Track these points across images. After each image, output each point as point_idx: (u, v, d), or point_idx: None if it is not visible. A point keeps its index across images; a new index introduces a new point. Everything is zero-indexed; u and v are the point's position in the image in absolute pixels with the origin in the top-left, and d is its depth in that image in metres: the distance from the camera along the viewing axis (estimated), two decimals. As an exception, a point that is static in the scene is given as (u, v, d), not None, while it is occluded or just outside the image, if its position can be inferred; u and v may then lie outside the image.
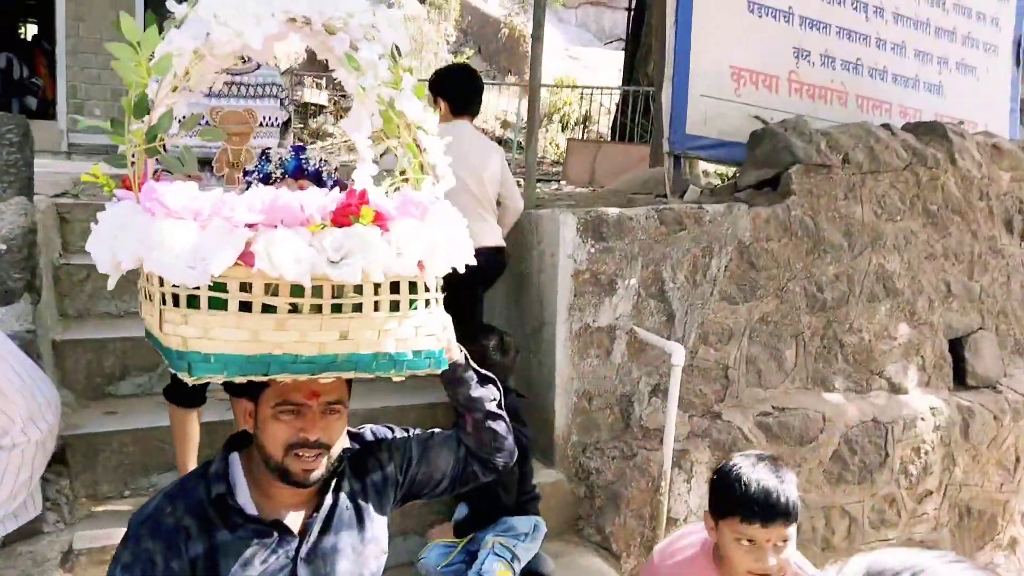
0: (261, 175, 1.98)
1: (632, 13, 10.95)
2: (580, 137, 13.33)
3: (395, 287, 1.40)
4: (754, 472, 1.67)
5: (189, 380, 1.37)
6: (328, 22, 1.52)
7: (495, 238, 3.00)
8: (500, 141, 13.32)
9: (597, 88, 12.93)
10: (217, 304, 1.32)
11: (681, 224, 3.27)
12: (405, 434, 1.80)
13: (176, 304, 1.35)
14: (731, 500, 1.67)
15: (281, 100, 2.69)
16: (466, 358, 1.75)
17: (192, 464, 2.53)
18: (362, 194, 1.41)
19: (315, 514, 1.62)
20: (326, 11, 1.52)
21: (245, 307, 1.32)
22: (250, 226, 1.32)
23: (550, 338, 3.08)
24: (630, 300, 3.17)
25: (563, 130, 14.69)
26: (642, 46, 9.89)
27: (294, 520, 1.62)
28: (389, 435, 1.79)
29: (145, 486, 2.72)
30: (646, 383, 3.22)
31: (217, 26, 1.43)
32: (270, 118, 2.63)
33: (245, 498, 1.59)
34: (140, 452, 2.72)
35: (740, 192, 3.75)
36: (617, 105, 11.69)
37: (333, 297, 1.34)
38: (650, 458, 3.10)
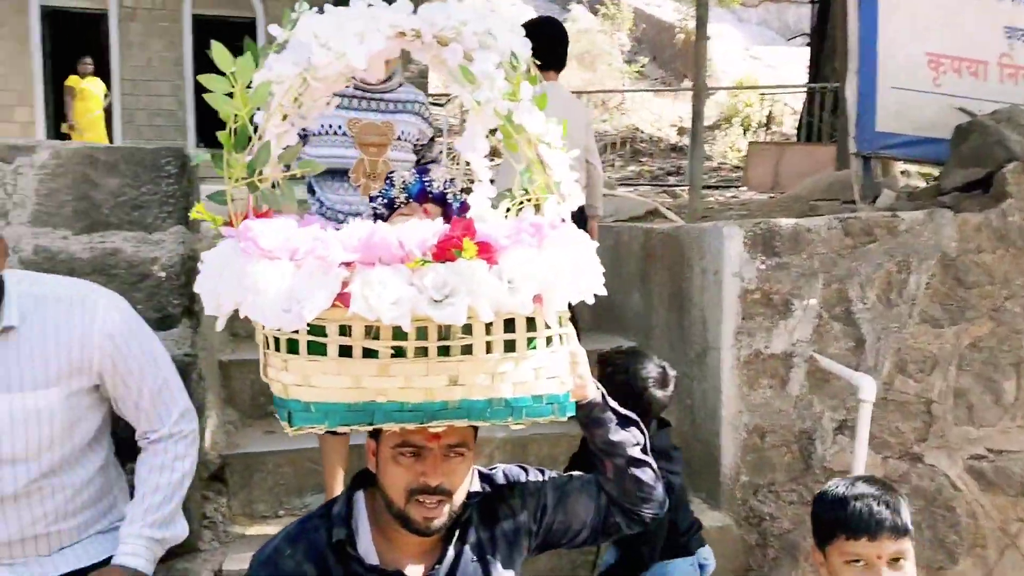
0: (385, 200, 1.88)
1: (817, 5, 10.23)
2: (762, 140, 12.69)
3: (510, 325, 1.24)
4: (854, 489, 1.61)
5: (290, 431, 1.29)
6: (440, 33, 1.39)
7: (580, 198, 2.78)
8: (675, 148, 12.93)
9: (780, 87, 12.23)
10: (317, 349, 1.22)
11: (871, 235, 2.86)
12: (540, 477, 1.63)
13: (277, 348, 1.27)
14: (833, 521, 1.59)
15: (424, 117, 2.64)
16: (604, 396, 1.55)
17: (339, 487, 2.50)
18: (466, 224, 1.25)
19: (437, 566, 1.50)
20: (437, 21, 1.39)
21: (346, 351, 1.21)
22: (348, 264, 1.20)
23: (715, 365, 2.78)
24: (809, 323, 2.81)
25: (744, 133, 14.10)
26: (828, 39, 9.20)
27: (415, 571, 1.50)
28: (523, 478, 1.63)
29: (298, 506, 2.73)
30: (830, 418, 2.84)
31: (318, 48, 1.33)
32: (407, 132, 2.58)
33: (366, 544, 1.49)
34: (294, 473, 2.73)
35: (944, 196, 3.25)
36: (803, 104, 11.01)
37: (440, 339, 1.21)
38: (835, 504, 2.71)
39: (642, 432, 1.58)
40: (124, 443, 2.00)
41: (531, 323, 1.26)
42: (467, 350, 1.21)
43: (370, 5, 1.37)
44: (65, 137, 9.65)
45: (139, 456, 1.90)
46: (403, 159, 2.57)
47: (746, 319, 2.75)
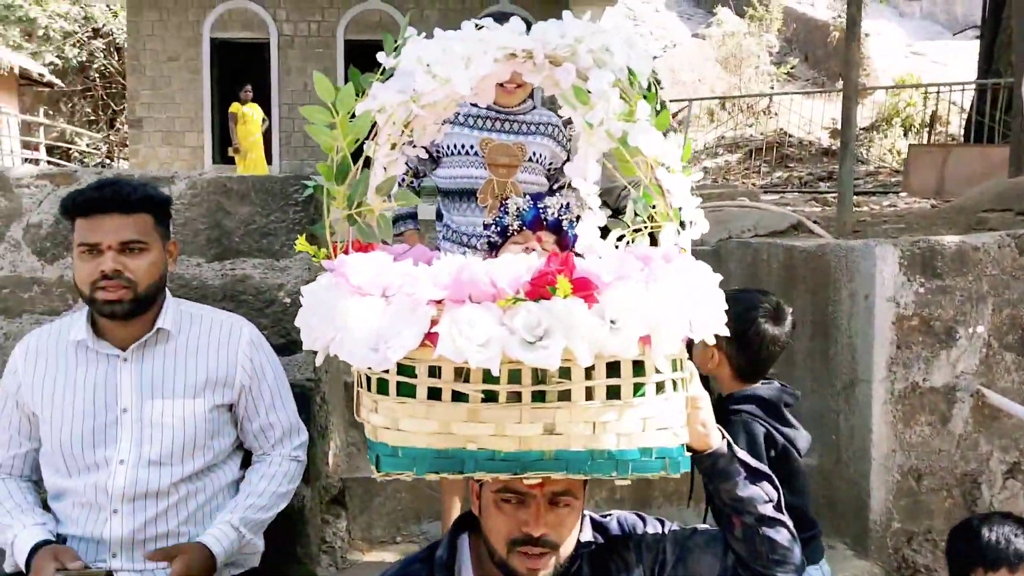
0: (499, 227, 1.82)
1: (990, -7, 9.38)
2: (926, 141, 11.78)
3: (614, 369, 1.13)
4: (989, 521, 1.62)
5: (378, 476, 1.24)
6: (553, 52, 1.31)
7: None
8: (826, 152, 12.23)
9: (945, 85, 11.31)
10: (406, 390, 1.17)
11: (1050, 253, 2.52)
12: (660, 529, 1.49)
13: (369, 387, 1.22)
14: (970, 553, 1.60)
15: (558, 140, 2.56)
16: (730, 446, 1.39)
17: (454, 514, 2.46)
18: (564, 259, 1.15)
19: None
20: (551, 40, 1.31)
21: (436, 394, 1.15)
22: (439, 302, 1.14)
23: (865, 399, 2.53)
24: (976, 353, 2.50)
25: (905, 135, 13.16)
26: (1003, 30, 8.40)
27: None
28: (640, 528, 1.50)
29: (416, 533, 2.72)
30: (999, 460, 2.52)
31: (422, 74, 1.28)
32: (539, 155, 2.50)
33: None
34: (413, 499, 2.72)
35: None
36: (972, 102, 10.12)
37: (535, 383, 1.11)
38: (1007, 559, 2.40)
39: (775, 487, 1.41)
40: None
41: (639, 367, 1.15)
42: (565, 396, 1.12)
43: (479, 27, 1.31)
44: (231, 160, 10.37)
45: (251, 464, 1.96)
46: (534, 181, 2.51)
47: (901, 348, 2.49)
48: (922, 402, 2.50)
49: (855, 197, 7.86)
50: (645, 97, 1.29)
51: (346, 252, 1.31)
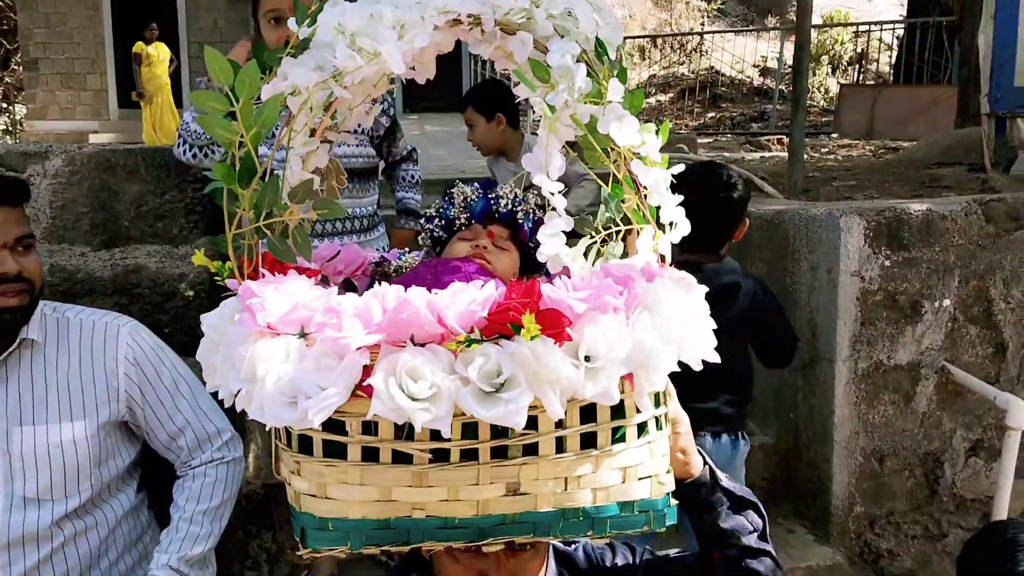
0: (443, 221, 1.54)
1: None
2: (855, 80, 11.82)
3: (588, 413, 0.95)
4: (1014, 527, 1.38)
5: (304, 554, 1.01)
6: (505, 19, 1.07)
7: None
8: (758, 92, 12.15)
9: (876, 23, 11.31)
10: (335, 450, 0.95)
11: (1018, 220, 2.40)
12: (630, 559, 1.35)
13: (289, 443, 1.00)
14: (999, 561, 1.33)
15: (382, 108, 2.27)
16: (711, 472, 1.22)
17: None
18: (528, 289, 0.93)
19: None
20: (502, 3, 1.05)
21: (372, 454, 0.93)
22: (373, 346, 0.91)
23: (827, 379, 2.39)
24: (941, 328, 2.38)
25: (833, 73, 13.18)
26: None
27: None
28: (608, 560, 1.35)
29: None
30: (962, 438, 2.42)
31: (344, 48, 1.01)
32: (360, 125, 2.21)
33: None
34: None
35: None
36: (899, 41, 10.14)
37: (494, 437, 0.92)
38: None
39: (760, 515, 1.26)
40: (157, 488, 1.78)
41: (618, 408, 0.96)
42: (531, 450, 0.93)
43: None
44: (135, 105, 9.63)
45: (175, 483, 1.70)
46: (360, 154, 2.21)
47: (866, 325, 2.34)
48: (886, 381, 2.38)
49: (783, 137, 7.81)
50: (617, 75, 1.06)
51: (255, 271, 1.05)
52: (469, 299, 0.93)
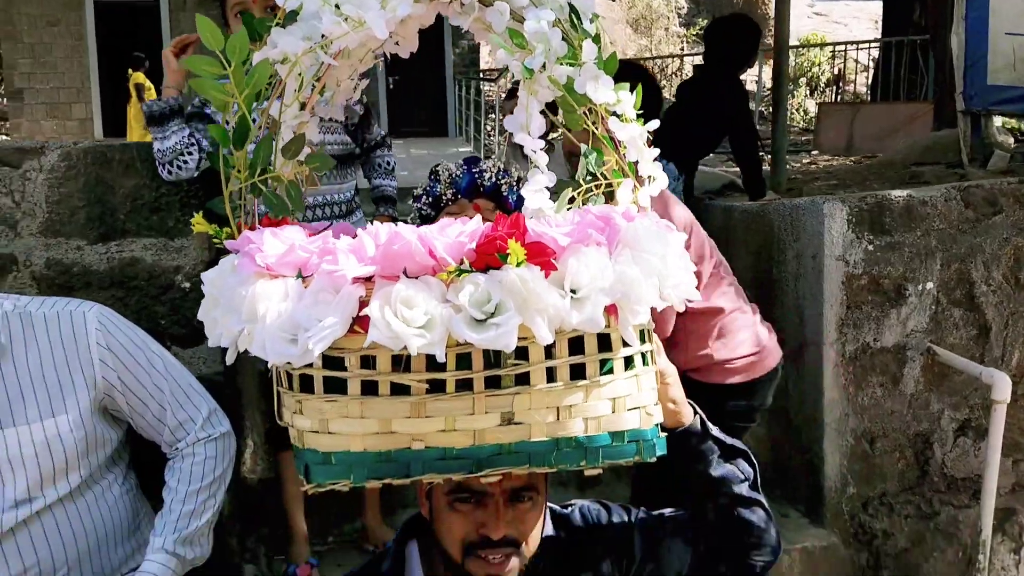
0: (430, 198, 1.59)
1: (890, -48, 9.58)
2: (833, 100, 12.05)
3: (577, 345, 1.00)
4: None
5: (308, 489, 1.06)
6: None
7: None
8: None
9: (851, 43, 11.55)
10: (335, 386, 0.99)
11: (995, 205, 2.46)
12: (625, 518, 1.37)
13: (290, 385, 1.04)
14: None
15: (358, 99, 2.28)
16: (702, 422, 1.27)
17: (299, 524, 2.29)
18: (513, 221, 0.97)
19: None
20: None
21: (371, 387, 0.97)
22: (367, 280, 0.96)
23: (815, 363, 2.43)
24: (926, 311, 2.43)
25: (811, 94, 13.45)
26: (908, -9, 8.57)
27: None
28: (604, 519, 1.37)
29: (350, 532, 2.51)
30: (950, 418, 2.47)
31: (329, 16, 1.07)
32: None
33: None
34: (346, 494, 2.47)
35: (1075, 155, 2.82)
36: (875, 61, 10.38)
37: (487, 367, 0.96)
38: (958, 518, 2.38)
39: (751, 464, 1.31)
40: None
41: (604, 341, 1.01)
42: (523, 380, 0.97)
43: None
44: (121, 133, 9.64)
45: (167, 466, 1.69)
46: (337, 141, 2.26)
47: (852, 309, 2.39)
48: (873, 363, 2.42)
49: (767, 156, 7.95)
50: (592, 39, 1.13)
51: (252, 229, 1.10)
52: (457, 231, 0.99)
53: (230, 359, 1.09)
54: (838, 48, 12.02)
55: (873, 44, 10.84)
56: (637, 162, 1.13)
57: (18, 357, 1.53)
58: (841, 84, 12.80)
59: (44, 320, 1.57)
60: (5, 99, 11.67)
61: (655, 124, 1.15)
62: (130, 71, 9.43)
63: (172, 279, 2.08)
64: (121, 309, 1.80)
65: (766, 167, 3.37)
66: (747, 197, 3.21)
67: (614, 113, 1.12)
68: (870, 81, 10.91)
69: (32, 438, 1.51)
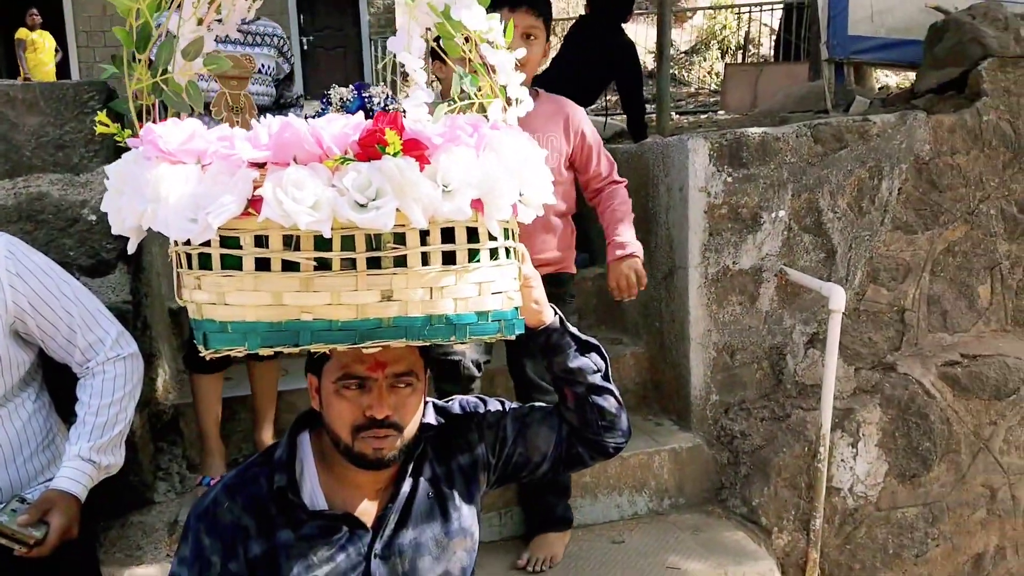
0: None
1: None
2: (740, 62, 12.41)
3: (448, 235, 1.14)
4: None
5: (206, 353, 1.18)
6: None
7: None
8: (651, 75, 12.64)
9: (755, 5, 11.91)
10: (232, 263, 1.11)
11: (841, 141, 2.75)
12: (500, 408, 1.55)
13: (190, 265, 1.15)
14: None
15: (282, 51, 2.52)
16: (561, 320, 1.46)
17: (214, 440, 2.45)
18: (392, 118, 1.12)
19: (391, 504, 1.42)
20: None
21: (264, 265, 1.10)
22: (261, 166, 1.08)
23: (682, 285, 2.70)
24: (779, 236, 2.71)
25: (722, 57, 13.78)
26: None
27: (367, 511, 1.42)
28: (481, 409, 1.55)
29: (252, 452, 2.65)
30: (801, 332, 2.77)
31: None
32: (267, 66, 2.45)
33: (313, 488, 1.41)
34: (252, 418, 2.64)
35: (917, 99, 3.14)
36: (780, 22, 10.75)
37: (369, 249, 1.09)
38: (806, 419, 2.67)
39: (603, 358, 1.51)
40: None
41: (473, 233, 1.16)
42: (401, 262, 1.10)
43: None
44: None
45: (78, 384, 1.80)
46: (264, 92, 2.46)
47: (713, 235, 2.66)
48: (733, 284, 2.70)
49: (678, 116, 8.24)
50: None
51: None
52: (343, 123, 1.13)
53: (132, 248, 1.21)
54: (743, 10, 12.37)
55: (777, 6, 11.20)
56: (506, 86, 1.27)
57: None
58: (749, 47, 13.17)
59: None
60: None
61: (521, 53, 1.33)
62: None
63: (79, 212, 2.17)
64: (30, 242, 1.88)
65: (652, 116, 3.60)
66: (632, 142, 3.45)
67: (488, 40, 1.25)
68: (773, 43, 11.30)
69: None
